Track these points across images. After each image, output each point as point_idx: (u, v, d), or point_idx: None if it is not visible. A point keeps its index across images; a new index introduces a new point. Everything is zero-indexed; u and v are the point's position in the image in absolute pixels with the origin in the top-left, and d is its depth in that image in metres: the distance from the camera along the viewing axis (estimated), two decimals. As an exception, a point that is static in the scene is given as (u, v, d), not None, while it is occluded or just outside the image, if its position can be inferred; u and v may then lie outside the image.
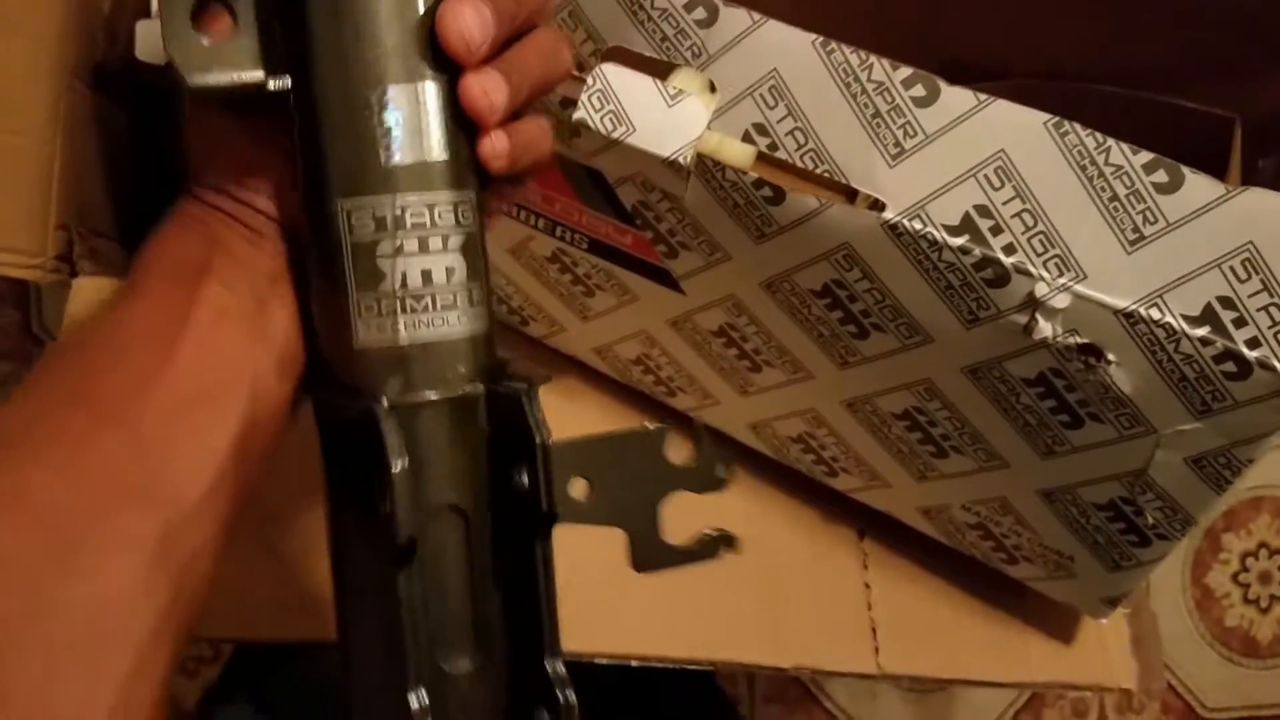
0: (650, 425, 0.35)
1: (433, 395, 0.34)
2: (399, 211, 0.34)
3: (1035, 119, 0.43)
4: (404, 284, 0.34)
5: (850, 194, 0.47)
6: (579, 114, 0.48)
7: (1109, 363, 0.44)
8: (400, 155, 0.34)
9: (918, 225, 0.45)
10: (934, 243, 0.45)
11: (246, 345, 0.35)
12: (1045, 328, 0.44)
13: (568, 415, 0.55)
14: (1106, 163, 0.43)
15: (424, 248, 0.34)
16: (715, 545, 0.36)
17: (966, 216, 0.44)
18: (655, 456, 0.35)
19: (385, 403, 0.33)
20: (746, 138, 0.48)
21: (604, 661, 0.59)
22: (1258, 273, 0.41)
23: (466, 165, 0.35)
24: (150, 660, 0.30)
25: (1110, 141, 0.43)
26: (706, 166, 0.48)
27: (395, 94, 0.33)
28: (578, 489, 0.34)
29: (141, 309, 0.35)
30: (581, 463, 0.34)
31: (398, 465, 0.32)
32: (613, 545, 0.35)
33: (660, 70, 0.48)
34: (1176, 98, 0.58)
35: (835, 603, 0.63)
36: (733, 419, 0.62)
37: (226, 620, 0.54)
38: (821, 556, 0.63)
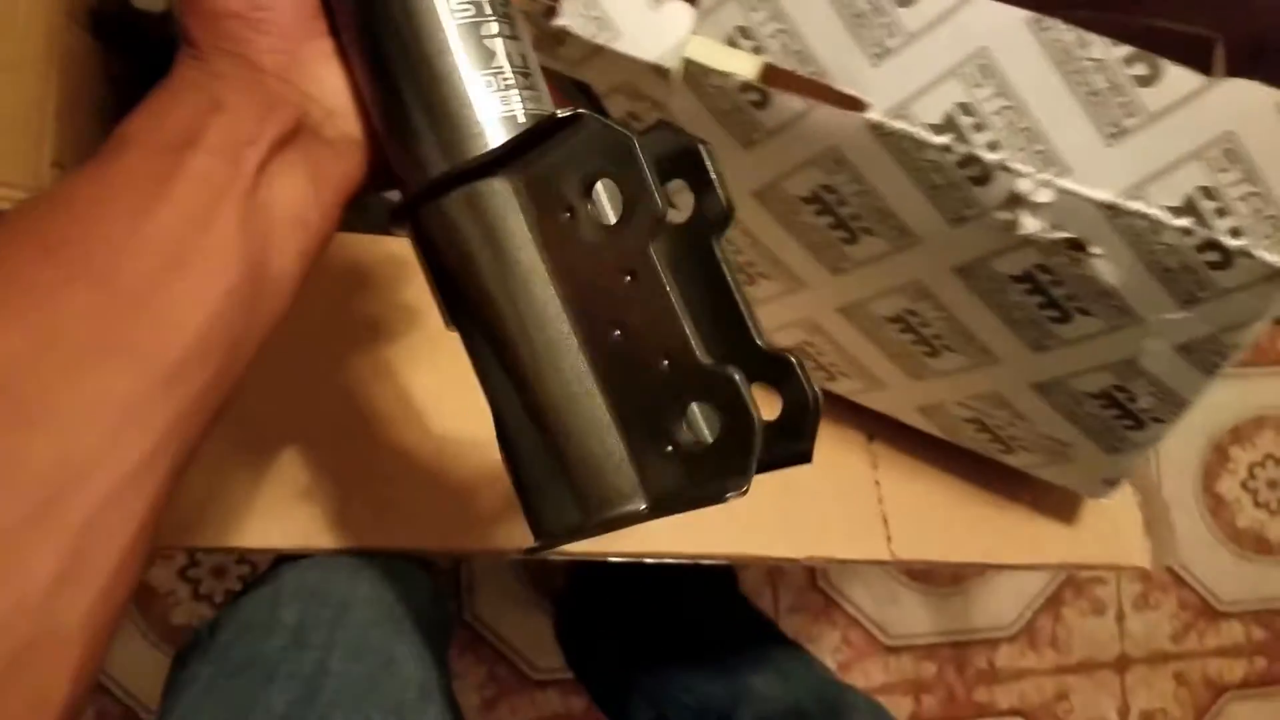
0: None
1: None
2: None
3: (1015, 16, 0.43)
4: (509, 62, 0.36)
5: (835, 96, 0.47)
6: (562, 20, 0.48)
7: (1093, 256, 0.45)
8: None
9: (902, 125, 0.45)
10: (918, 142, 0.45)
11: (237, 221, 0.33)
12: (1029, 223, 0.45)
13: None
14: (1087, 58, 0.43)
15: (514, 34, 0.37)
16: None
17: (949, 115, 0.45)
18: None
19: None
20: (731, 41, 0.48)
21: (618, 560, 0.60)
22: (1238, 162, 0.41)
23: None
24: (112, 518, 0.30)
25: (1090, 36, 0.42)
26: (693, 72, 0.48)
27: None
28: None
29: (115, 179, 0.33)
30: None
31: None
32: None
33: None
34: (1154, 17, 0.58)
35: (847, 499, 0.64)
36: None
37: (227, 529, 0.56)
38: (832, 459, 0.64)
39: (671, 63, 0.48)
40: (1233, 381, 1.37)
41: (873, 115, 0.45)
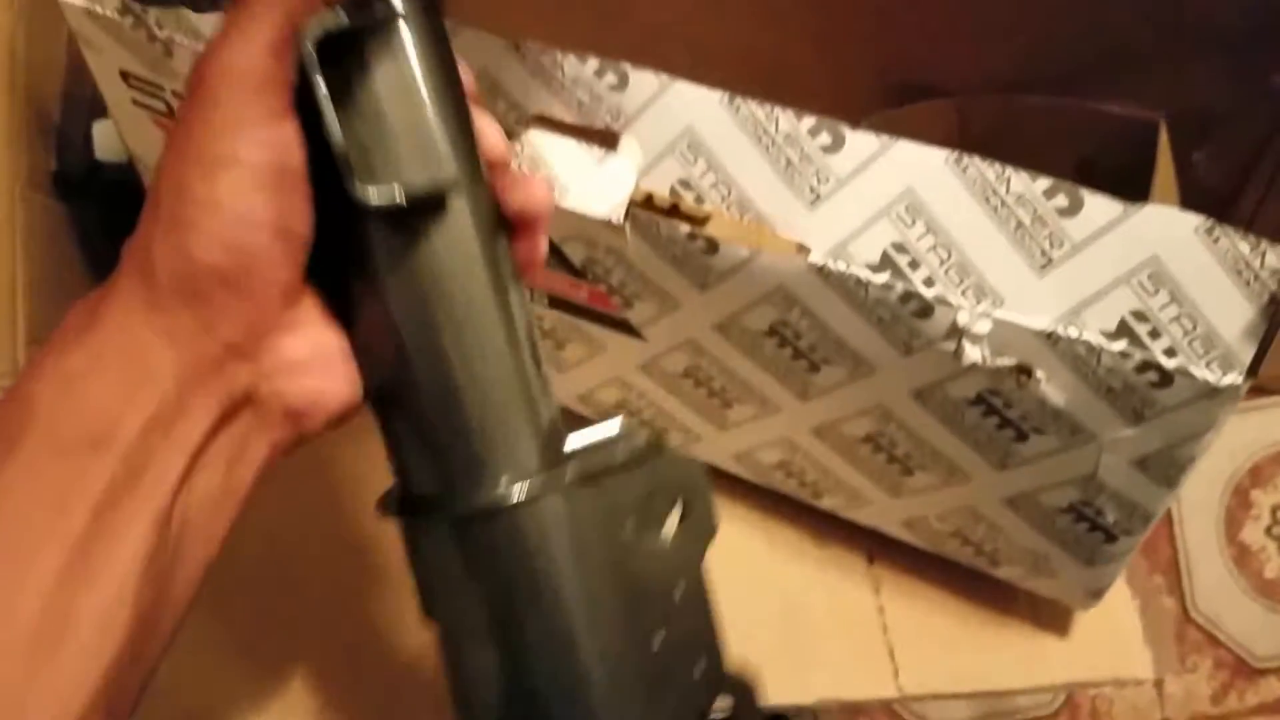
0: None
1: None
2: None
3: (937, 156, 0.44)
4: (541, 364, 0.37)
5: (777, 241, 0.48)
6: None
7: (1039, 380, 0.45)
8: None
9: (842, 266, 0.46)
10: (859, 281, 0.46)
11: (139, 561, 0.28)
12: (973, 352, 0.46)
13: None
14: (1008, 192, 0.44)
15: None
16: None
17: (885, 254, 0.46)
18: None
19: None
20: (673, 193, 0.49)
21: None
22: (1165, 285, 0.42)
23: None
24: None
25: (1009, 171, 0.44)
26: (642, 223, 0.49)
27: None
28: None
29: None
30: None
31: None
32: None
33: (583, 134, 0.50)
34: (1107, 99, 0.59)
35: (851, 631, 0.63)
36: (716, 452, 0.63)
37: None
38: (833, 587, 0.64)
39: (619, 217, 0.49)
40: (1251, 415, 1.35)
41: (814, 259, 0.47)
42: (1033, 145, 0.65)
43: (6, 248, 0.62)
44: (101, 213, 0.75)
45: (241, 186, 0.29)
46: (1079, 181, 0.65)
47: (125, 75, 0.58)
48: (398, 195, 0.32)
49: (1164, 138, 0.56)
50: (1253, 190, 0.55)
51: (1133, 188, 0.57)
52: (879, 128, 0.68)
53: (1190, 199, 0.61)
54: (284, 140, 0.30)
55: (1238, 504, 1.35)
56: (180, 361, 0.29)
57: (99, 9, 0.54)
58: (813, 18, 0.67)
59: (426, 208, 0.33)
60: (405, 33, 0.33)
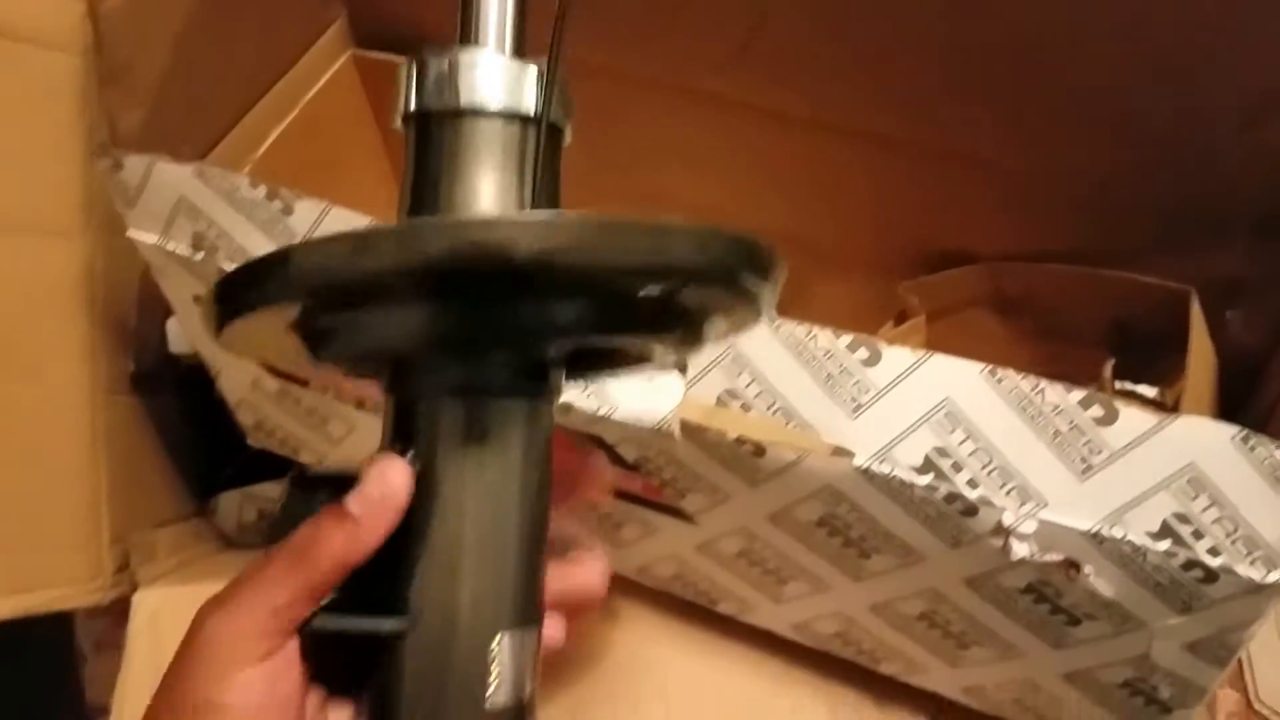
0: None
1: None
2: None
3: (972, 369, 0.46)
4: None
5: (822, 446, 0.50)
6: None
7: (1087, 574, 0.47)
8: (499, 697, 0.35)
9: (886, 468, 0.48)
10: (904, 482, 0.48)
11: None
12: (1020, 549, 0.47)
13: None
14: (1044, 403, 0.45)
15: None
16: None
17: (928, 458, 0.47)
18: None
19: None
20: (720, 402, 0.51)
21: None
22: (1205, 489, 0.43)
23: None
24: None
25: (1044, 384, 0.45)
26: (690, 428, 0.51)
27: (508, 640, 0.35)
28: None
29: None
30: None
31: None
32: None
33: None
34: (1137, 271, 0.61)
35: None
36: (774, 622, 0.65)
37: None
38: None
39: (668, 426, 0.51)
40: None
41: (858, 462, 0.48)
42: (1067, 307, 0.67)
43: (90, 457, 0.65)
44: (179, 403, 0.78)
45: None
46: (1116, 342, 0.67)
47: (198, 298, 0.61)
48: None
49: (1195, 308, 0.57)
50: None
51: (1168, 349, 0.59)
52: (918, 291, 0.70)
53: (1226, 355, 0.62)
54: (275, 673, 0.32)
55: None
56: None
57: (171, 246, 0.57)
58: (859, 195, 0.70)
59: None
60: None
